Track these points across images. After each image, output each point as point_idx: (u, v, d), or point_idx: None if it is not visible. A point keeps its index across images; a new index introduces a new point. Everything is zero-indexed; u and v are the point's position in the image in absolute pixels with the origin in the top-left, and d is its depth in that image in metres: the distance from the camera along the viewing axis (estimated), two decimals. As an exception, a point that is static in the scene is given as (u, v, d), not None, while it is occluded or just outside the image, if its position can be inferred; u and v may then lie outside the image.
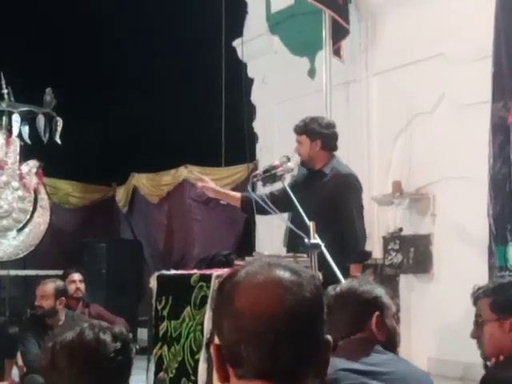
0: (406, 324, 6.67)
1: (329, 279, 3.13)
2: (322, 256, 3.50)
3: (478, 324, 2.49)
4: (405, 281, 6.82)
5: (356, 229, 4.60)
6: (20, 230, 7.39)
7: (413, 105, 6.83)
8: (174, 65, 9.75)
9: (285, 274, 1.24)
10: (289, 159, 4.33)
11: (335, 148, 4.81)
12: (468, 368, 5.77)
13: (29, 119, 7.38)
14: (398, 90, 6.94)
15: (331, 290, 2.36)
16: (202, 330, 3.85)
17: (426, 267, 6.63)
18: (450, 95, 6.51)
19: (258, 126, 8.94)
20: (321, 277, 3.20)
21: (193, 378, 3.89)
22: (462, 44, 6.27)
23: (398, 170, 7.03)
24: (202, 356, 3.82)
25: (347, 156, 5.16)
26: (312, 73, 7.54)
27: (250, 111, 8.93)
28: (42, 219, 7.52)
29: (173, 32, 9.48)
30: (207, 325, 3.79)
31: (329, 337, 1.27)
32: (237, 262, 3.95)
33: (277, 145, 8.12)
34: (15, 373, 6.00)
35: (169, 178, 10.14)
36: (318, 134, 4.69)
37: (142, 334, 7.87)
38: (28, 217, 7.42)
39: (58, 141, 7.34)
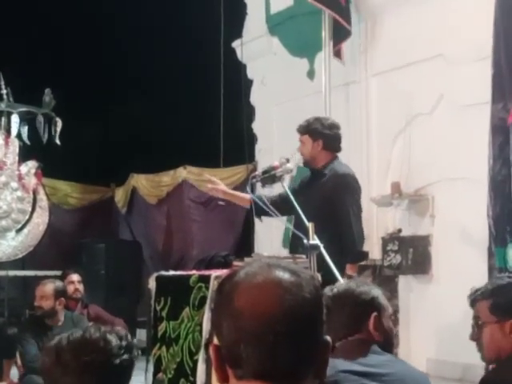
0: (405, 325, 6.67)
1: (328, 280, 3.12)
2: (321, 257, 3.50)
3: (478, 326, 2.47)
4: (404, 282, 6.81)
5: (353, 229, 4.59)
6: (19, 230, 7.38)
7: (412, 105, 6.83)
8: (173, 65, 9.75)
9: (284, 275, 1.24)
10: (288, 160, 4.33)
11: (338, 149, 4.80)
12: (467, 369, 5.77)
13: (28, 120, 7.36)
14: (398, 90, 6.94)
15: (328, 290, 2.35)
16: (200, 331, 3.84)
17: (425, 268, 6.63)
18: (450, 96, 6.50)
19: (257, 127, 8.94)
20: (320, 278, 3.20)
21: (191, 378, 3.88)
22: (461, 45, 6.27)
23: (397, 170, 7.02)
24: (201, 357, 3.81)
25: (347, 156, 5.16)
26: (311, 74, 7.54)
27: (250, 112, 8.92)
28: (40, 220, 7.51)
29: (173, 32, 9.48)
30: (206, 325, 3.78)
31: (328, 337, 1.27)
32: (235, 263, 3.95)
33: (276, 146, 8.12)
34: (14, 373, 5.99)
35: (168, 179, 10.12)
36: (320, 134, 4.70)
37: (141, 334, 7.86)
38: (27, 217, 7.41)
39: (57, 141, 7.33)
